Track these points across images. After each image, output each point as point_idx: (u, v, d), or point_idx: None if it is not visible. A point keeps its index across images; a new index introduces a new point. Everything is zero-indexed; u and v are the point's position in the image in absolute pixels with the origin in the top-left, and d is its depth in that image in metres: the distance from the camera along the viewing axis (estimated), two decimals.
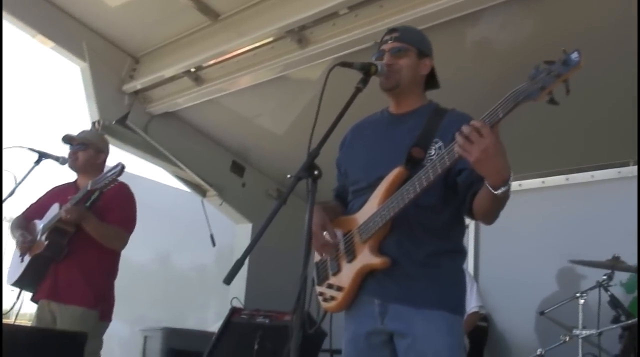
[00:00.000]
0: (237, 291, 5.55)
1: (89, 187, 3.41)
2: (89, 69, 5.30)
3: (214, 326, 5.94)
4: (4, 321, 3.72)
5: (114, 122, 5.49)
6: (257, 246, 1.88)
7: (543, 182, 5.26)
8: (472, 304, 4.66)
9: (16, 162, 3.80)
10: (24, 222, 3.83)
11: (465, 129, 1.88)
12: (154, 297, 7.83)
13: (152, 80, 5.41)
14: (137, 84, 5.48)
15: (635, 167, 4.64)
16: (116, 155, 4.67)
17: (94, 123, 5.39)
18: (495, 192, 1.93)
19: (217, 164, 6.19)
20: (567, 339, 3.99)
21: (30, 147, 3.75)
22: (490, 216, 2.13)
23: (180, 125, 5.91)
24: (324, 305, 2.38)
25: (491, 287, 5.23)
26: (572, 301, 4.06)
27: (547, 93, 1.79)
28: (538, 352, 4.11)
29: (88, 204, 3.55)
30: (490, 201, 2.00)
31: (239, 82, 5.03)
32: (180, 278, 8.18)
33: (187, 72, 5.15)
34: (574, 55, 1.75)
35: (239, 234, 6.36)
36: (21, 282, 3.70)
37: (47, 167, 3.80)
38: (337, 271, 2.34)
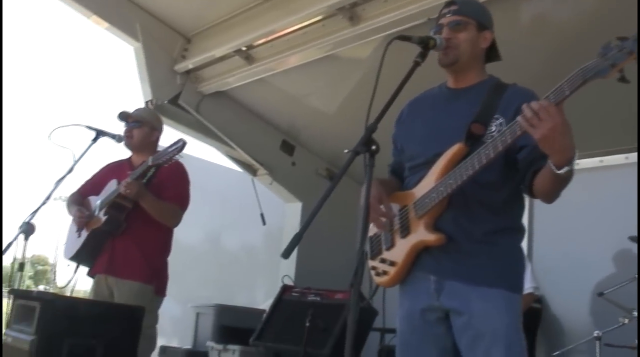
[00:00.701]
0: (287, 269, 5.59)
1: (149, 163, 3.43)
2: (142, 49, 5.37)
3: (263, 304, 6.02)
4: (62, 294, 3.83)
5: (166, 102, 5.58)
6: None
7: (601, 161, 5.11)
8: (526, 285, 4.58)
9: (74, 140, 3.87)
10: (80, 198, 3.91)
11: (534, 105, 1.85)
12: (205, 276, 7.97)
13: (203, 59, 5.45)
14: (189, 64, 5.53)
15: None
16: (168, 134, 4.73)
17: (147, 102, 5.47)
18: (559, 172, 1.89)
19: (268, 143, 6.23)
20: (627, 322, 3.90)
21: (88, 125, 3.83)
22: (551, 195, 2.10)
23: (231, 104, 5.95)
24: (376, 279, 2.37)
25: (545, 267, 5.13)
26: (631, 282, 3.97)
27: (618, 70, 1.74)
28: (595, 335, 4.02)
29: (145, 180, 3.60)
30: (553, 181, 1.97)
31: (289, 61, 5.02)
32: (230, 257, 8.29)
33: (238, 51, 5.16)
34: None
35: (288, 213, 6.39)
36: (78, 257, 3.79)
37: (104, 144, 3.87)
38: (390, 245, 2.32)
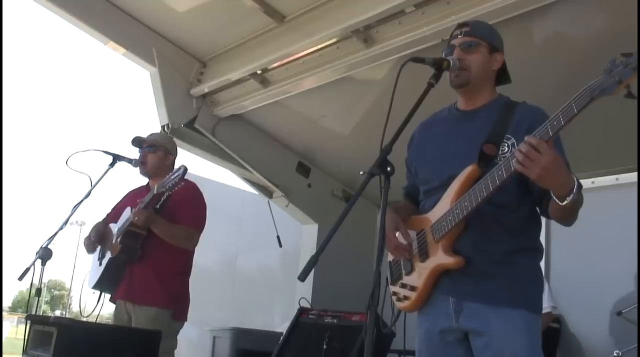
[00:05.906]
0: (304, 292, 5.57)
1: (155, 191, 3.48)
2: (158, 73, 5.42)
3: (280, 326, 5.99)
4: (86, 320, 3.85)
5: (182, 126, 5.61)
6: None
7: (617, 179, 5.11)
8: (544, 304, 4.51)
9: (91, 165, 3.91)
10: (103, 227, 3.94)
11: (522, 147, 1.88)
12: (222, 298, 7.96)
13: (219, 83, 5.48)
14: (205, 88, 5.56)
15: None
16: (185, 157, 4.76)
17: (163, 127, 5.51)
18: (562, 204, 1.92)
19: (283, 165, 6.24)
20: None
21: (105, 149, 3.87)
22: (566, 221, 2.12)
23: (246, 127, 5.98)
24: (398, 304, 2.37)
25: (563, 286, 5.09)
26: None
27: (625, 87, 1.74)
28: (615, 354, 4.00)
29: (158, 206, 3.63)
30: (562, 210, 1.99)
31: (304, 84, 5.05)
32: (246, 280, 8.29)
33: (254, 74, 5.19)
34: None
35: (305, 235, 6.37)
36: (100, 285, 3.83)
37: (121, 169, 3.90)
38: (410, 270, 2.32)
